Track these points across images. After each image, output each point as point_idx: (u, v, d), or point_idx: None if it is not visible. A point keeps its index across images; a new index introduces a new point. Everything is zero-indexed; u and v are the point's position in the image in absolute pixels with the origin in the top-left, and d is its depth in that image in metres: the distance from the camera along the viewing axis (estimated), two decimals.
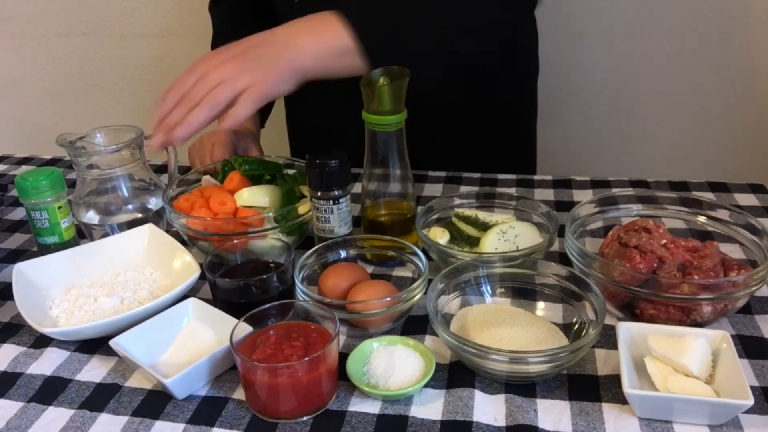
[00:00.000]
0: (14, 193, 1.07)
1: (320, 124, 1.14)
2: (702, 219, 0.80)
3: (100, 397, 0.65)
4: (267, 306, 0.66)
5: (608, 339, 0.68)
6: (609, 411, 0.60)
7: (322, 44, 0.82)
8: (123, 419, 0.62)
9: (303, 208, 0.83)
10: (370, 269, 0.81)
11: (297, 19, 0.84)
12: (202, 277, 0.76)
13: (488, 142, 1.12)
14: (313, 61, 0.81)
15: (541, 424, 0.59)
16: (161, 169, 1.14)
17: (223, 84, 0.77)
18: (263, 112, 1.18)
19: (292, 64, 0.80)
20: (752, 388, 0.59)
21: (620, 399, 0.60)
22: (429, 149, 1.01)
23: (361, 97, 0.78)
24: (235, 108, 0.77)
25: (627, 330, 0.64)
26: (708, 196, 0.92)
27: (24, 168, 1.20)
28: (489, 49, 0.97)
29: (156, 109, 0.80)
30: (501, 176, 1.06)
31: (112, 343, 0.66)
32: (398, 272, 0.81)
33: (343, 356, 0.65)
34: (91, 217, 0.89)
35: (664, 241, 0.71)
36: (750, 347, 0.67)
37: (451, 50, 0.90)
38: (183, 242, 0.83)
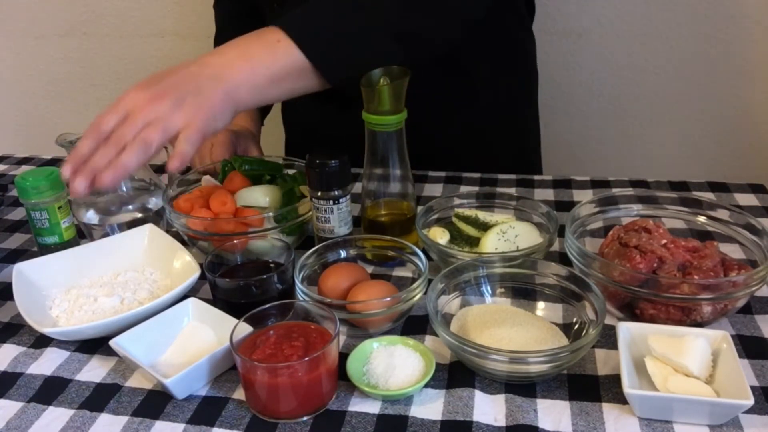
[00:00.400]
0: (14, 193, 1.07)
1: (319, 124, 1.14)
2: (702, 219, 0.80)
3: (100, 397, 0.65)
4: (267, 306, 0.66)
5: (608, 339, 0.68)
6: (609, 411, 0.60)
7: (256, 74, 0.75)
8: (123, 419, 0.62)
9: (303, 208, 0.83)
10: (370, 269, 0.81)
11: (238, 39, 0.78)
12: (202, 277, 0.76)
13: (489, 144, 1.12)
14: (247, 93, 0.76)
15: (541, 424, 0.59)
16: (161, 169, 1.14)
17: (154, 124, 0.70)
18: (262, 112, 1.18)
19: (226, 99, 0.74)
20: (752, 388, 0.59)
21: (620, 399, 0.60)
22: (429, 149, 1.01)
23: (360, 96, 0.78)
24: (179, 147, 0.70)
25: (627, 330, 0.64)
26: (708, 196, 0.92)
27: (24, 168, 1.20)
28: (454, 34, 0.90)
29: (71, 151, 0.72)
30: (501, 176, 1.06)
31: (112, 343, 0.66)
32: (398, 272, 0.81)
33: (343, 356, 0.65)
34: (91, 217, 0.89)
35: (664, 241, 0.71)
36: (750, 347, 0.67)
37: (412, 40, 0.83)
38: (183, 242, 0.83)
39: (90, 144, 0.71)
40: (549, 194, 1.00)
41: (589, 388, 0.63)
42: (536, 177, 1.05)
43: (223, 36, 1.18)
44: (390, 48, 0.81)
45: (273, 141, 1.26)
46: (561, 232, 0.80)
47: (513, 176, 1.06)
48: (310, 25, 0.79)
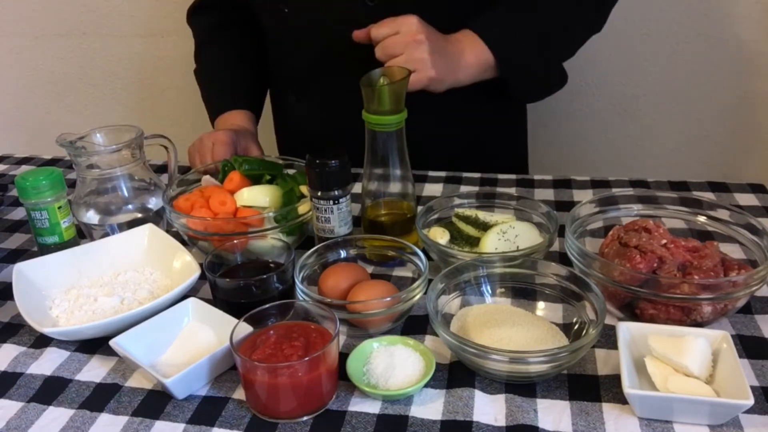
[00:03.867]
0: (14, 193, 1.07)
1: (317, 124, 1.14)
2: (702, 219, 0.80)
3: (100, 397, 0.65)
4: (267, 306, 0.66)
5: (608, 339, 0.68)
6: (609, 411, 0.60)
7: (478, 65, 0.96)
8: (123, 419, 0.62)
9: (303, 208, 0.83)
10: (370, 269, 0.81)
11: (454, 36, 0.95)
12: (202, 277, 0.76)
13: (485, 137, 1.13)
14: (468, 79, 0.96)
15: (541, 424, 0.59)
16: (161, 169, 1.14)
17: (404, 59, 0.88)
18: (257, 113, 1.18)
19: (454, 77, 0.94)
20: (752, 388, 0.59)
21: (620, 399, 0.60)
22: (429, 149, 1.01)
23: (359, 97, 0.78)
24: (423, 74, 0.89)
25: (627, 330, 0.64)
26: (708, 196, 0.92)
27: (24, 168, 1.20)
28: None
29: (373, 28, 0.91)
30: (501, 176, 1.06)
31: (112, 343, 0.66)
32: (398, 272, 0.81)
33: (343, 356, 0.65)
34: (91, 217, 0.89)
35: (664, 241, 0.71)
36: (750, 347, 0.67)
37: (557, 59, 1.04)
38: (183, 242, 0.83)
39: (384, 32, 0.90)
40: (549, 194, 1.00)
41: (589, 388, 0.63)
42: (536, 177, 1.05)
43: (206, 51, 1.19)
44: (550, 64, 1.04)
45: (272, 141, 1.26)
46: (561, 232, 0.80)
47: (513, 176, 1.06)
48: (505, 39, 0.97)
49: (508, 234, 0.80)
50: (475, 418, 0.60)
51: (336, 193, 0.78)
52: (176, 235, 0.84)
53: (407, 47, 0.89)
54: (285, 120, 1.22)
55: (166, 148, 0.95)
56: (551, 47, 1.02)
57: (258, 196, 0.86)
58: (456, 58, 0.94)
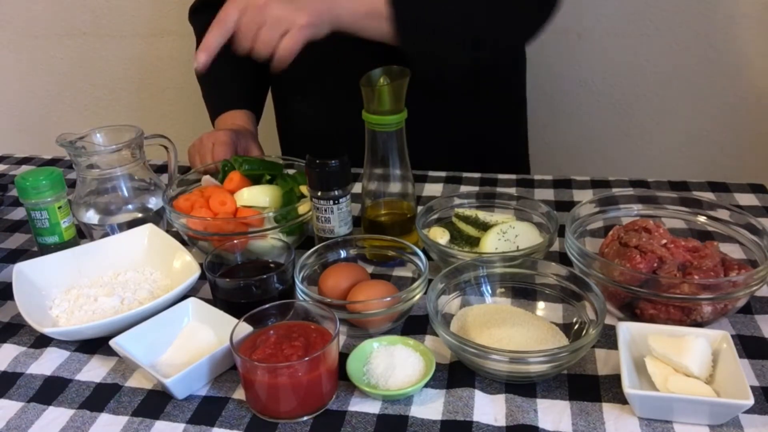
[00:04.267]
0: (14, 193, 1.07)
1: (318, 124, 1.14)
2: (702, 219, 0.80)
3: (100, 397, 0.65)
4: (267, 306, 0.66)
5: (608, 339, 0.68)
6: (609, 411, 0.60)
7: (357, 3, 0.87)
8: (123, 419, 0.62)
9: (303, 208, 0.83)
10: (370, 269, 0.81)
11: None
12: (202, 277, 0.76)
13: (485, 137, 1.13)
14: (347, 15, 0.87)
15: (541, 424, 0.59)
16: (161, 169, 1.14)
17: (269, 26, 0.81)
18: (257, 114, 1.18)
19: (331, 13, 0.85)
20: (752, 388, 0.59)
21: (620, 399, 0.60)
22: (429, 149, 1.01)
23: (359, 97, 0.78)
24: (285, 45, 0.82)
25: (627, 330, 0.64)
26: (708, 196, 0.92)
27: (24, 168, 1.20)
28: (516, 46, 0.99)
29: (203, 42, 0.84)
30: (501, 176, 1.06)
31: (112, 343, 0.66)
32: (398, 272, 0.81)
33: (343, 356, 0.65)
34: (91, 217, 0.89)
35: (664, 241, 0.71)
36: (750, 347, 0.67)
37: (477, 41, 0.93)
38: (183, 242, 0.83)
39: (218, 38, 0.83)
40: (549, 194, 1.00)
41: (589, 388, 0.63)
42: (536, 177, 1.05)
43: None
44: (464, 42, 0.92)
45: (271, 141, 1.26)
46: (561, 232, 0.80)
47: (513, 176, 1.06)
48: None
49: (508, 234, 0.80)
50: (475, 418, 0.60)
51: (336, 193, 0.78)
52: (176, 235, 0.84)
53: (261, 17, 0.82)
54: (285, 120, 1.22)
55: (166, 148, 0.95)
56: (464, 23, 0.92)
57: (258, 196, 0.86)
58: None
